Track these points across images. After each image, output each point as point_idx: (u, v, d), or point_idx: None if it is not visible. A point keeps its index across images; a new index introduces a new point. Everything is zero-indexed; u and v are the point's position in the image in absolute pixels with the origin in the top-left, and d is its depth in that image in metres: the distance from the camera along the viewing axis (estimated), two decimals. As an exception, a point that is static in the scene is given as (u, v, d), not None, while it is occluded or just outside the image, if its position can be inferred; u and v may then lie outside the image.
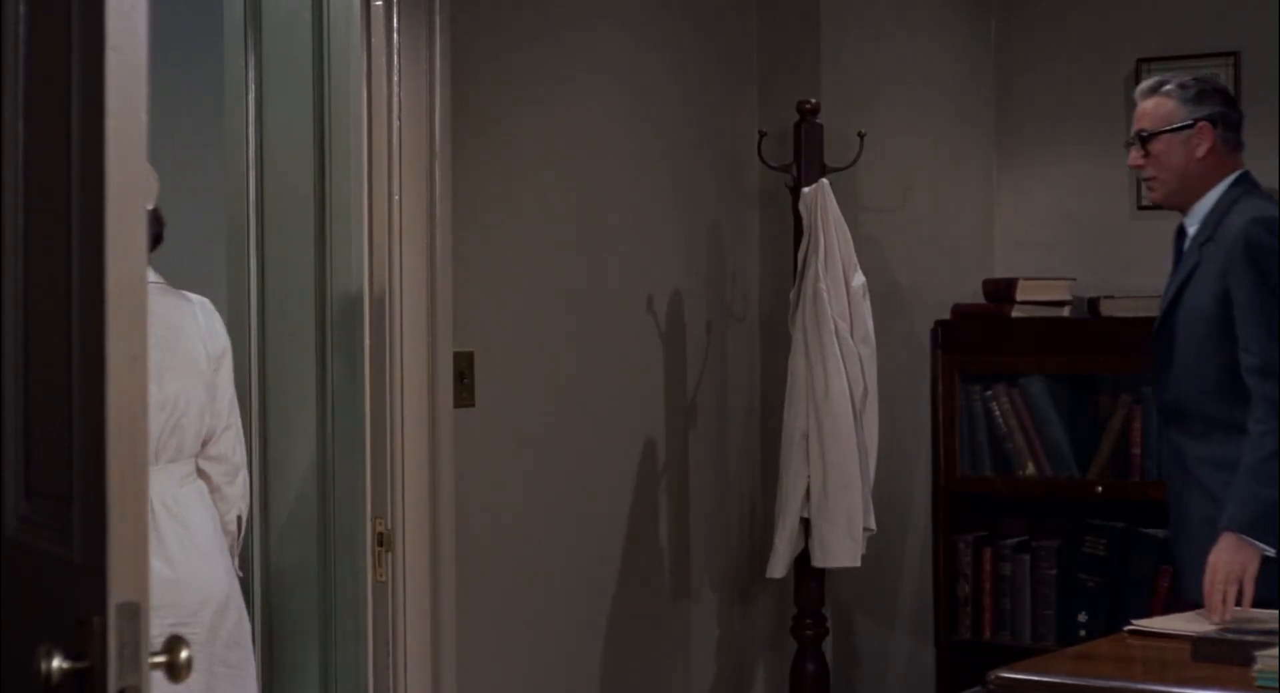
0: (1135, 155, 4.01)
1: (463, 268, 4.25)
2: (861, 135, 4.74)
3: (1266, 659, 3.03)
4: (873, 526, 4.59)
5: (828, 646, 4.79)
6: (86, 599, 1.97)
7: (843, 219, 4.61)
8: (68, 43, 2.08)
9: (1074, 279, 5.33)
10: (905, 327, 5.15)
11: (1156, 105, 4.00)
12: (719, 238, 5.03)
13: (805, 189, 4.62)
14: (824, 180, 4.62)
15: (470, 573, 4.27)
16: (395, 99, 4.12)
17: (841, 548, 4.55)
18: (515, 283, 4.42)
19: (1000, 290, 5.17)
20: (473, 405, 4.27)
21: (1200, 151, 3.94)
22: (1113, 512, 5.16)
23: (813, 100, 4.72)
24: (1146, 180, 4.04)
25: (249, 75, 4.46)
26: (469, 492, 4.26)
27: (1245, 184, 4.00)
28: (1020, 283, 5.14)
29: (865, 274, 4.65)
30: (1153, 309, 5.15)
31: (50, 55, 2.16)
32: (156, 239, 3.87)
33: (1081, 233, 5.43)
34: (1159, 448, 4.21)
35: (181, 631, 3.55)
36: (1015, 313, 5.11)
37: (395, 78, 4.11)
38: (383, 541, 4.10)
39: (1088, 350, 5.12)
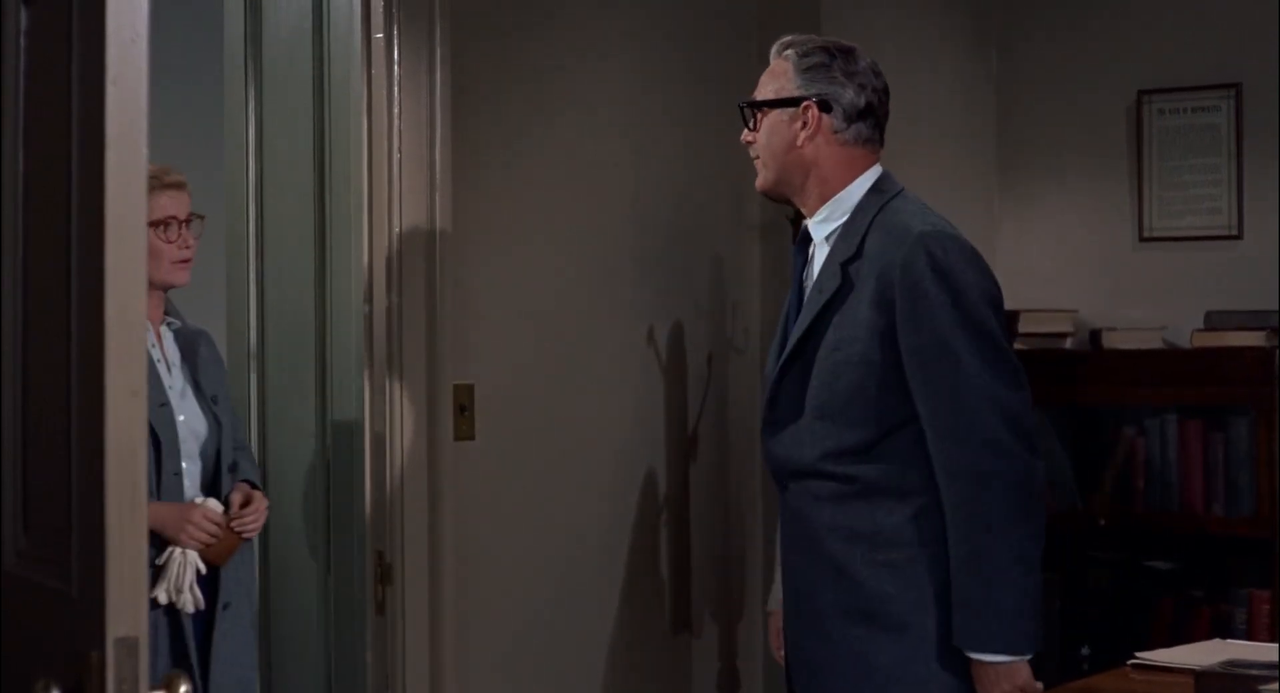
0: (747, 132, 3.27)
1: (463, 300, 4.24)
2: (862, 167, 4.72)
3: (1271, 694, 3.02)
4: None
5: (830, 679, 4.77)
6: (85, 634, 1.96)
7: (844, 251, 4.60)
8: (68, 75, 2.08)
9: (1076, 311, 5.33)
10: (907, 358, 5.13)
11: (773, 71, 3.25)
12: (720, 270, 5.03)
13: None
14: (825, 212, 4.60)
15: (471, 606, 4.26)
16: (395, 131, 4.11)
17: (843, 581, 4.50)
18: (516, 315, 4.41)
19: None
20: (473, 439, 4.26)
21: (801, 138, 3.18)
22: (1115, 544, 5.15)
23: (813, 132, 4.70)
24: (754, 159, 3.29)
25: (249, 107, 4.47)
26: (470, 525, 4.25)
27: (887, 186, 3.20)
28: (1022, 315, 5.14)
29: (866, 306, 4.63)
30: (1156, 341, 5.18)
31: (50, 87, 2.16)
32: None
33: (1083, 264, 5.44)
34: (783, 517, 3.24)
35: None
36: (1017, 345, 5.10)
37: (395, 110, 4.11)
38: (383, 574, 4.09)
39: (1090, 382, 5.11)
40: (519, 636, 4.41)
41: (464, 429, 4.24)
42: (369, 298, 4.10)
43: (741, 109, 3.26)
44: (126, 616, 1.93)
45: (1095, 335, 5.20)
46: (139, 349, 1.97)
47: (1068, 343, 5.26)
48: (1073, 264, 5.42)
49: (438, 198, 4.16)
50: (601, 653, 4.65)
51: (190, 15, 4.97)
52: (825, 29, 5.01)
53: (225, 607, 3.75)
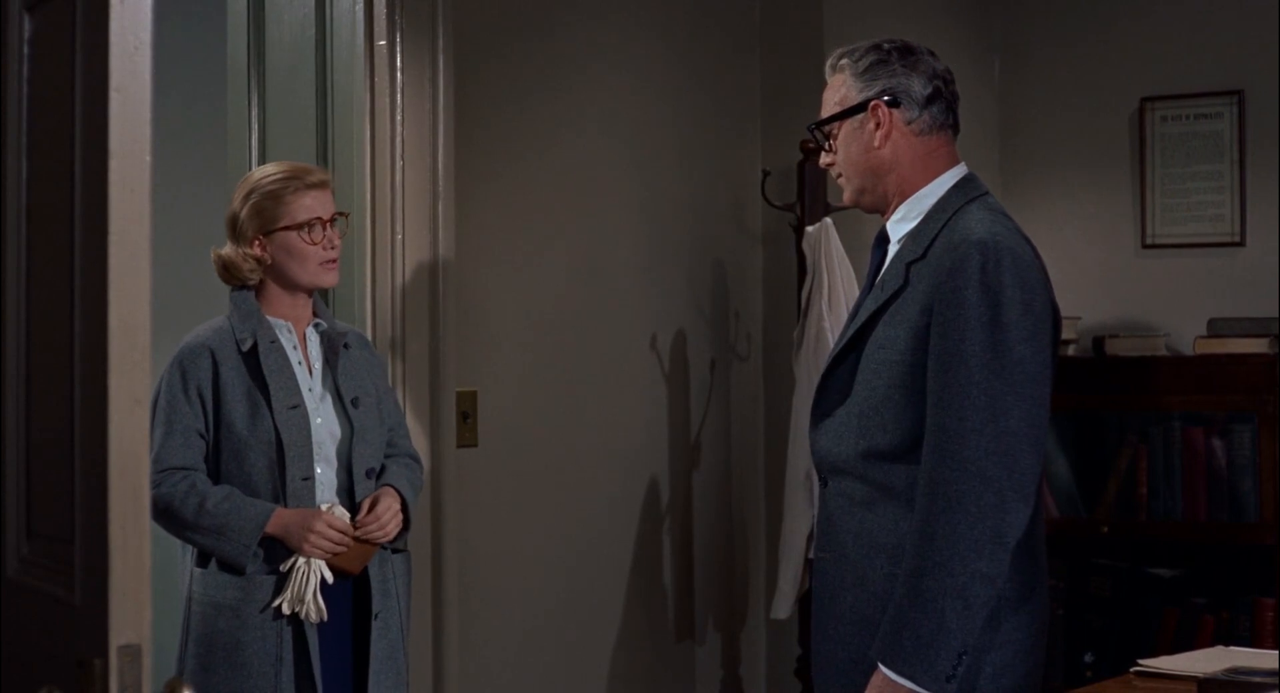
0: (824, 154, 3.19)
1: (466, 306, 4.25)
2: (865, 174, 4.72)
3: (1274, 701, 3.01)
4: (877, 565, 4.55)
5: (833, 686, 4.76)
6: (88, 641, 1.97)
7: (846, 258, 4.61)
8: (71, 83, 2.08)
9: (1079, 318, 5.32)
10: (909, 366, 5.13)
11: (832, 85, 3.16)
12: (723, 277, 5.03)
13: (809, 228, 4.62)
14: (827, 219, 4.62)
15: (473, 613, 4.25)
16: (398, 138, 4.12)
17: (846, 588, 4.49)
18: (519, 321, 4.42)
19: (1004, 329, 5.15)
20: (475, 446, 4.27)
21: (877, 139, 3.09)
22: (1119, 551, 5.14)
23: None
24: (837, 178, 3.20)
25: (252, 114, 4.46)
26: (472, 532, 4.25)
27: (970, 188, 3.14)
28: (1025, 322, 5.13)
29: (869, 313, 4.63)
30: (1159, 348, 5.18)
31: (54, 95, 2.16)
32: None
33: (1086, 271, 5.43)
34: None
35: None
36: (1020, 351, 5.09)
37: (399, 117, 4.12)
38: (386, 581, 4.08)
39: (1093, 389, 5.11)
40: (521, 643, 4.41)
41: (467, 436, 4.24)
42: (372, 303, 4.10)
43: (813, 133, 3.18)
44: (130, 623, 1.93)
45: (1098, 342, 5.20)
46: (142, 358, 1.97)
47: (1070, 350, 5.26)
48: (1075, 271, 5.41)
49: (441, 204, 4.16)
50: (604, 660, 4.65)
51: (193, 23, 4.97)
52: (827, 38, 5.02)
53: (375, 617, 3.57)
